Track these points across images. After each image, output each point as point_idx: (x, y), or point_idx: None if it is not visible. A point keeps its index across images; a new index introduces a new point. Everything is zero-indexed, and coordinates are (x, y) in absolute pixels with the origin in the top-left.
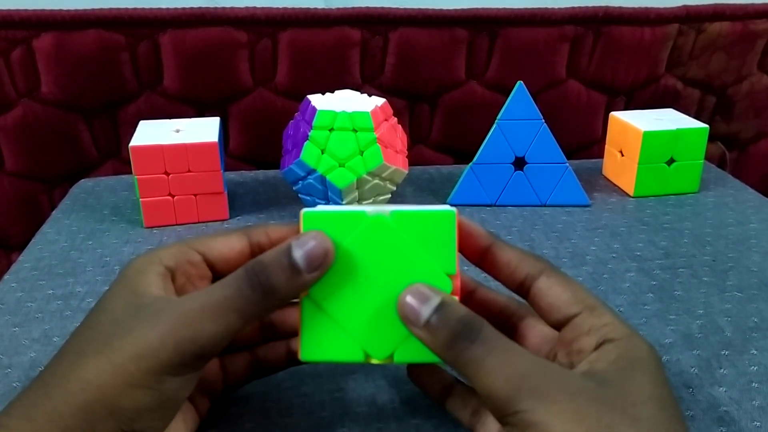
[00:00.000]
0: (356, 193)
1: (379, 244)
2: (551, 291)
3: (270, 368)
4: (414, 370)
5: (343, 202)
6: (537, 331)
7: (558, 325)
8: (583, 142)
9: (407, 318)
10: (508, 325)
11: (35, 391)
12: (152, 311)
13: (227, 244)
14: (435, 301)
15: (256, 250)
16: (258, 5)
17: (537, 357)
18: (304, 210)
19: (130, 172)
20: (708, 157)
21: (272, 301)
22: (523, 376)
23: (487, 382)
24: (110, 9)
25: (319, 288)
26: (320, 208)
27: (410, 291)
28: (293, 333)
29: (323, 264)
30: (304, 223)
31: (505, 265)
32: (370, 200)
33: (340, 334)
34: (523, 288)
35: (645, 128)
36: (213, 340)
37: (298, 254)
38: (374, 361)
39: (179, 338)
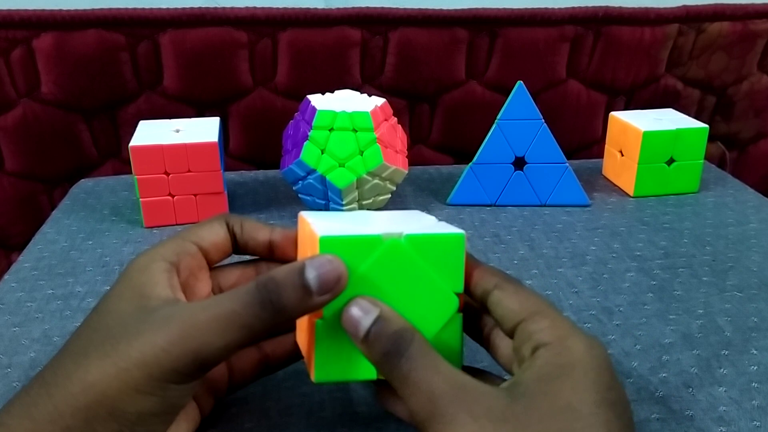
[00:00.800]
0: (356, 193)
1: (393, 266)
2: (502, 302)
3: (278, 364)
4: (382, 398)
5: (343, 202)
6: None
7: (511, 336)
8: (583, 142)
9: (349, 331)
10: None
11: (36, 390)
12: (160, 317)
13: (213, 231)
14: (373, 314)
15: (232, 239)
16: (258, 5)
17: (457, 374)
18: (321, 235)
19: (130, 172)
20: (708, 157)
21: (281, 319)
22: (437, 397)
23: (410, 401)
24: (110, 9)
25: (334, 310)
26: (319, 215)
27: (354, 303)
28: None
29: (335, 288)
30: (321, 248)
31: (470, 281)
32: (370, 200)
33: (352, 354)
34: (484, 304)
35: (645, 128)
36: (217, 353)
37: (311, 275)
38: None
39: (185, 348)
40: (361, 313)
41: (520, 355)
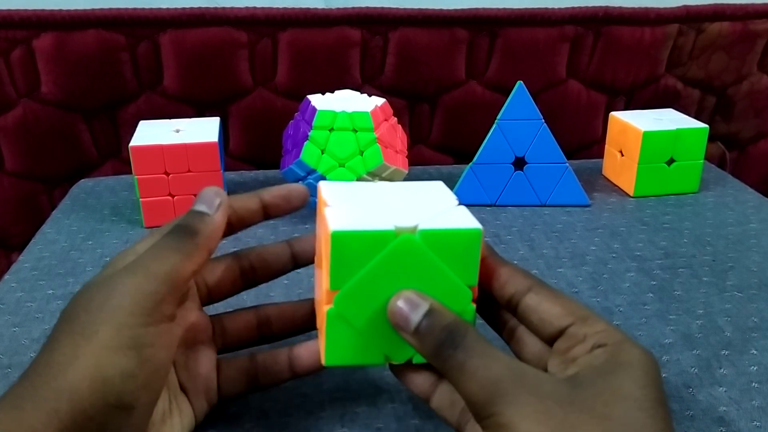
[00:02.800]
0: None
1: (406, 259)
2: (540, 307)
3: (268, 382)
4: (399, 370)
5: None
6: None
7: (550, 339)
8: (583, 142)
9: (398, 324)
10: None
11: (20, 387)
12: (118, 277)
13: (216, 271)
14: (423, 308)
15: (247, 270)
16: (258, 5)
17: (514, 362)
18: (333, 229)
19: (130, 172)
20: (708, 157)
21: (199, 240)
22: (497, 381)
23: (467, 387)
24: (110, 9)
25: (344, 300)
26: (338, 189)
27: (400, 297)
28: (290, 330)
29: (222, 201)
30: (333, 242)
31: (495, 281)
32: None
33: (362, 342)
34: (511, 304)
35: (645, 128)
36: (175, 272)
37: (199, 207)
38: (394, 363)
39: (156, 274)
40: (409, 308)
41: (570, 355)
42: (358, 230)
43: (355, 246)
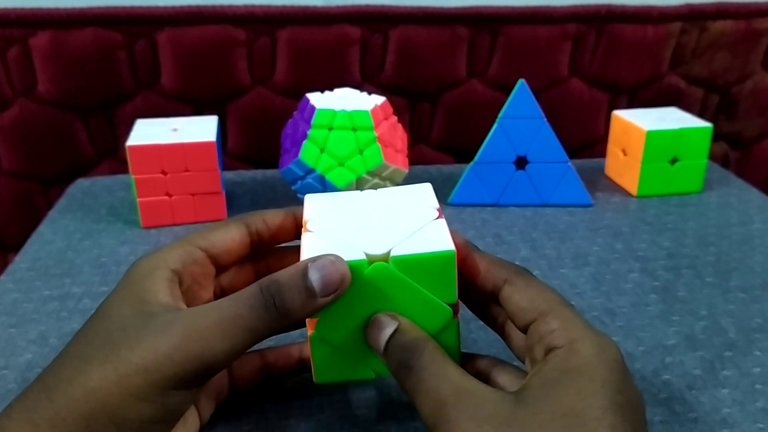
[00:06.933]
0: None
1: (381, 285)
2: (512, 299)
3: (281, 375)
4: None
5: None
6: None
7: (524, 332)
8: (586, 141)
9: (372, 346)
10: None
11: (37, 394)
12: (162, 323)
13: (228, 236)
14: (390, 328)
15: (255, 239)
16: (256, 3)
17: (463, 381)
18: (306, 258)
19: (127, 172)
20: (711, 157)
21: (285, 322)
22: (442, 403)
23: (420, 408)
24: (107, 7)
25: (324, 325)
26: (320, 205)
27: (372, 320)
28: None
29: (339, 288)
30: None
31: (478, 276)
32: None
33: (349, 360)
34: (494, 298)
35: (648, 127)
36: (221, 357)
37: (315, 277)
38: (384, 377)
39: (188, 353)
40: (378, 329)
41: (533, 356)
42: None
43: None
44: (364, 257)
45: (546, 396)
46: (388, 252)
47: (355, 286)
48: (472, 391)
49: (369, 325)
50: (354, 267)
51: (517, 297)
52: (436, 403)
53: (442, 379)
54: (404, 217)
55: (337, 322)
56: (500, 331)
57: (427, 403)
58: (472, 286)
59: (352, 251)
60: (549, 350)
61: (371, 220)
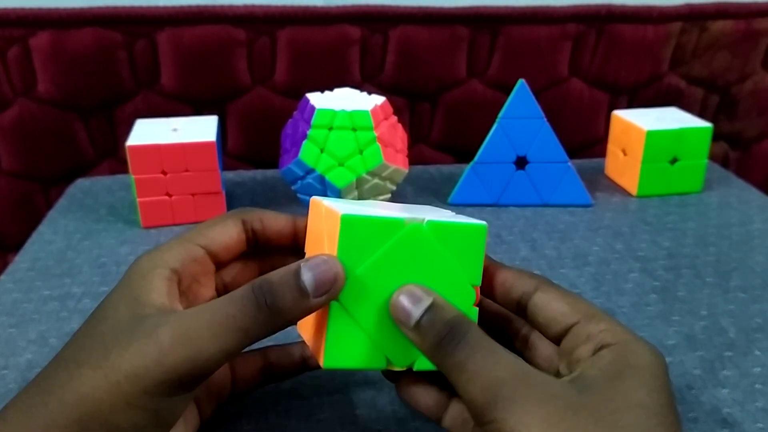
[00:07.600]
0: (356, 193)
1: (412, 252)
2: (548, 305)
3: (282, 374)
4: (404, 389)
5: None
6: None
7: (558, 338)
8: (586, 141)
9: (399, 319)
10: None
11: (32, 398)
12: (151, 325)
13: (226, 232)
14: (426, 302)
15: (250, 236)
16: (256, 3)
17: (519, 363)
18: (343, 213)
19: (127, 172)
20: (711, 157)
21: (278, 322)
22: (499, 383)
23: (467, 388)
24: (107, 7)
25: (349, 293)
26: (334, 201)
27: (403, 291)
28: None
29: (332, 289)
30: (342, 226)
31: (500, 285)
32: (370, 200)
33: (364, 341)
34: (519, 306)
35: (648, 127)
36: (212, 360)
37: (307, 277)
38: (394, 368)
39: (177, 357)
40: (411, 302)
41: (575, 356)
42: (367, 216)
43: (363, 232)
44: (401, 217)
45: (611, 387)
46: (424, 218)
47: (386, 249)
48: (531, 373)
49: (398, 295)
50: (389, 226)
51: (555, 303)
52: (490, 382)
53: (497, 359)
54: (426, 212)
55: (362, 290)
56: (521, 343)
57: (478, 383)
58: (493, 297)
59: (387, 213)
60: (600, 347)
61: (396, 210)
